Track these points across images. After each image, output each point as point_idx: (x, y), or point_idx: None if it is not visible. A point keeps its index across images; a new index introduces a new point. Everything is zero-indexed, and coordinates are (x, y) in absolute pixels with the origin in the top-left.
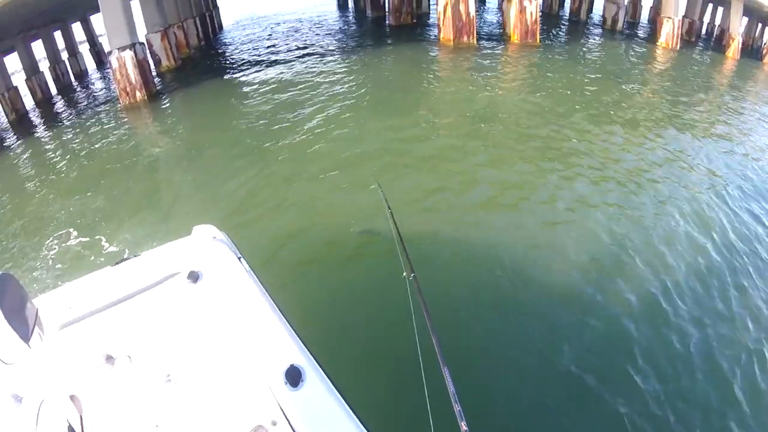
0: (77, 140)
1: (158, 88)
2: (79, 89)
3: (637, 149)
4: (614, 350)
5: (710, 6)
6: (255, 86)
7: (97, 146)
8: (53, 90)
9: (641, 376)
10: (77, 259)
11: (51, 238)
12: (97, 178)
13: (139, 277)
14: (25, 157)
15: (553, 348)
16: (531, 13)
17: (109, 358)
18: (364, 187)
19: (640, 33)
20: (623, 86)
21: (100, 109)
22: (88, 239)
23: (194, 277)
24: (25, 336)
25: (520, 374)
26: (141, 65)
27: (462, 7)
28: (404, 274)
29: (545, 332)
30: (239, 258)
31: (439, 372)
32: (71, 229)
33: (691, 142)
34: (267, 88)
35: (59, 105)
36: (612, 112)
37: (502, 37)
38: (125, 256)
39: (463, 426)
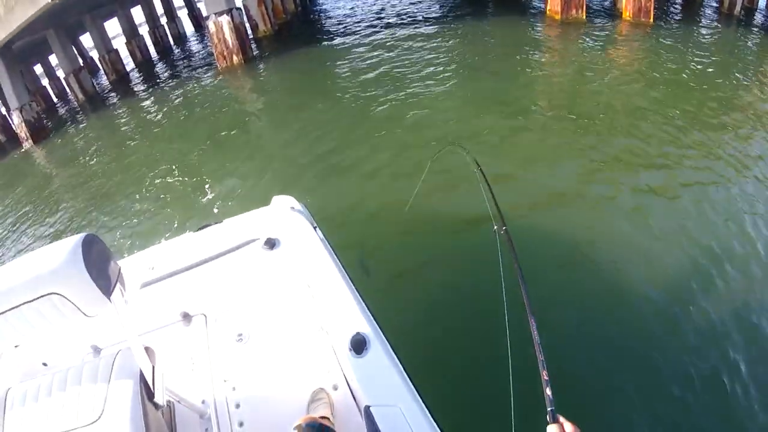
0: (176, 101)
1: (255, 52)
2: (177, 52)
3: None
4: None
5: None
6: (348, 54)
7: (195, 108)
8: (153, 53)
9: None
10: (176, 197)
11: (153, 177)
12: (193, 134)
13: (218, 242)
14: (124, 114)
15: (646, 328)
16: None
17: (186, 316)
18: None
19: (758, 20)
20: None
21: (197, 72)
22: (186, 181)
23: (271, 243)
24: (107, 291)
25: (605, 338)
26: (238, 30)
27: None
28: (494, 227)
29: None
30: (315, 228)
31: (525, 323)
32: (169, 175)
33: None
34: (360, 57)
35: (158, 67)
36: (726, 113)
37: (613, 14)
38: (207, 222)
39: (545, 375)
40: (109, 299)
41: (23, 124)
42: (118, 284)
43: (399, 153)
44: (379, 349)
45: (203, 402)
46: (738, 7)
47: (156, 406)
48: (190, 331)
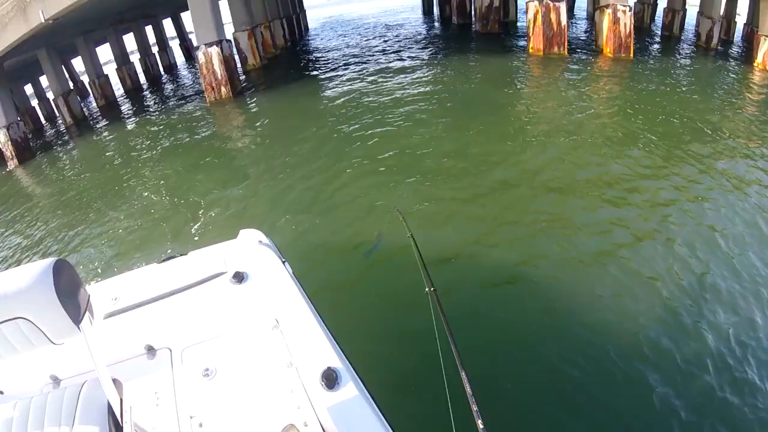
0: (162, 129)
1: (243, 85)
2: (166, 81)
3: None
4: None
5: None
6: (337, 89)
7: (180, 137)
8: (143, 80)
9: None
10: (148, 225)
11: (130, 204)
12: (173, 163)
13: (184, 274)
14: (110, 139)
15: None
16: (625, 24)
17: (150, 349)
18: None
19: (735, 51)
20: (717, 112)
21: (185, 102)
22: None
23: (239, 277)
24: (77, 319)
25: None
26: (227, 61)
27: (553, 17)
28: (426, 289)
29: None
30: (284, 262)
31: (458, 375)
32: (146, 202)
33: None
34: (349, 92)
35: (147, 95)
36: (704, 142)
37: (593, 49)
38: (172, 254)
39: (480, 424)
40: (78, 327)
41: (9, 143)
42: (87, 312)
43: (368, 195)
44: (351, 384)
45: None
46: (715, 40)
47: None
48: (155, 365)
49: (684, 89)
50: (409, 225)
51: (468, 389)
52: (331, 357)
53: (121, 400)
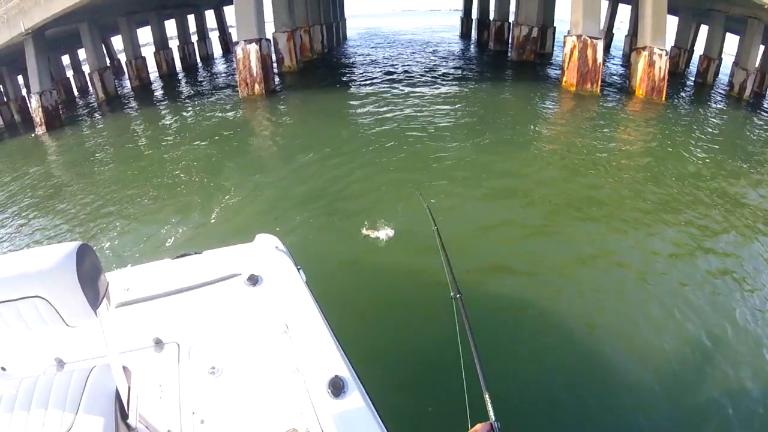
0: (190, 118)
1: (277, 85)
2: (201, 72)
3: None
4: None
5: None
6: (364, 100)
7: (208, 128)
8: (179, 67)
9: None
10: (165, 213)
11: (150, 189)
12: (198, 153)
13: (198, 272)
14: (138, 121)
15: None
16: (660, 68)
17: (158, 342)
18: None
19: (767, 104)
20: (749, 168)
21: (217, 94)
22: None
23: (254, 280)
24: (94, 304)
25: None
26: (264, 60)
27: (590, 53)
28: (451, 294)
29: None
30: (299, 269)
31: (480, 394)
32: (165, 189)
33: None
34: (375, 105)
35: (181, 82)
36: (733, 201)
37: (626, 90)
38: (186, 251)
39: None
40: (95, 312)
41: (40, 109)
42: (105, 299)
43: (387, 206)
44: (356, 393)
45: None
46: (748, 92)
47: (128, 427)
48: (162, 358)
49: (710, 137)
50: (434, 216)
51: (490, 413)
52: (339, 365)
53: (129, 387)
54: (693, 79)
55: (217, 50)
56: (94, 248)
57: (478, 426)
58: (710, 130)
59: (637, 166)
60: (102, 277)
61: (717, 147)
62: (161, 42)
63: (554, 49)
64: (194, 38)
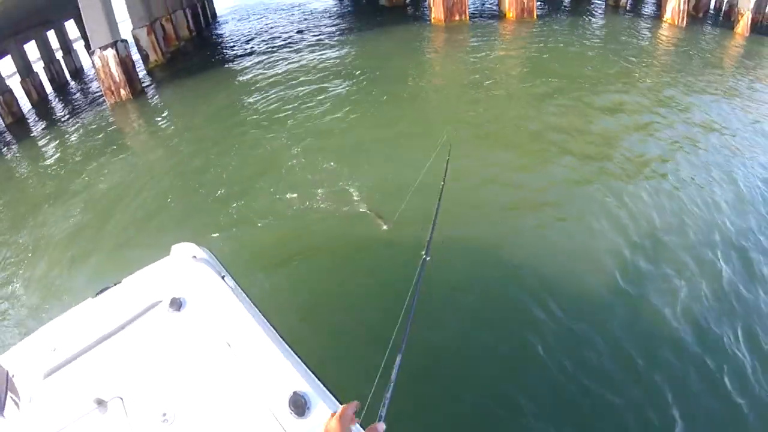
0: (69, 141)
1: (145, 84)
2: (74, 87)
3: (639, 132)
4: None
5: None
6: (246, 77)
7: (87, 147)
8: (49, 89)
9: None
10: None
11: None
12: (80, 177)
13: (120, 308)
14: (21, 161)
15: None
16: None
17: (101, 402)
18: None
19: (645, 9)
20: (622, 64)
21: (90, 108)
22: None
23: (177, 305)
24: None
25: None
26: (124, 63)
27: None
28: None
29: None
30: (223, 276)
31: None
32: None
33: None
34: (259, 78)
35: (55, 105)
36: (606, 93)
37: (496, 15)
38: (106, 285)
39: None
40: (1, 415)
41: None
42: (9, 394)
43: (299, 184)
44: (323, 407)
45: None
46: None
47: None
48: (108, 419)
49: (584, 44)
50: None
51: (393, 375)
52: (296, 379)
53: None
54: None
55: (86, 61)
56: None
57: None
58: (582, 38)
59: (501, 78)
60: None
61: (589, 52)
62: (25, 69)
63: None
64: (59, 54)
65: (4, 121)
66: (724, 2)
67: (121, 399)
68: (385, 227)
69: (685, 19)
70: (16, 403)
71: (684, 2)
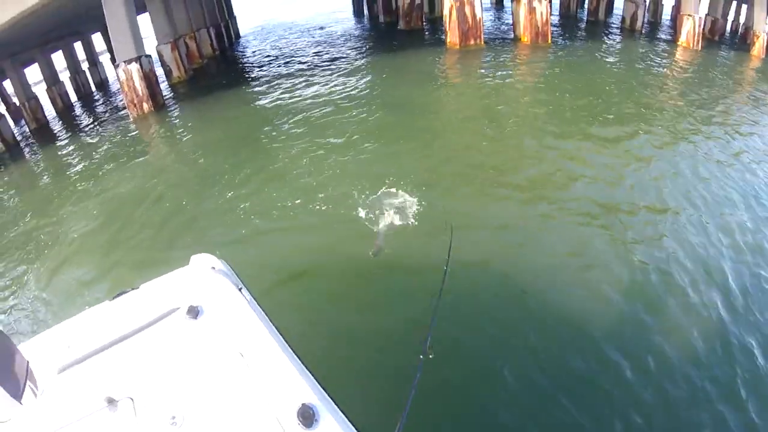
0: (93, 151)
1: (167, 99)
2: (99, 98)
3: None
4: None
5: (734, 3)
6: (266, 97)
7: (109, 158)
8: (74, 98)
9: None
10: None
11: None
12: (102, 187)
13: (137, 313)
14: (41, 164)
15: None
16: (541, 13)
17: (111, 401)
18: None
19: (661, 33)
20: (637, 88)
21: (112, 119)
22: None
23: (194, 312)
24: (16, 394)
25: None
26: (147, 77)
27: (468, 10)
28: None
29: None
30: (240, 289)
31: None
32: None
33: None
34: (279, 98)
35: (79, 114)
36: (619, 116)
37: (511, 39)
38: (123, 290)
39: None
40: (19, 402)
41: None
42: (28, 382)
43: (320, 205)
44: (331, 421)
45: None
46: (639, 23)
47: None
48: (117, 418)
49: (599, 72)
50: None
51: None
52: (305, 391)
53: None
54: (585, 19)
55: (111, 73)
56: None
57: None
58: (596, 62)
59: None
60: (18, 360)
61: (604, 75)
62: (51, 77)
63: (444, 12)
64: (85, 65)
65: (29, 126)
66: (740, 25)
67: (132, 399)
68: (370, 253)
69: (700, 42)
70: (34, 392)
71: (699, 25)
